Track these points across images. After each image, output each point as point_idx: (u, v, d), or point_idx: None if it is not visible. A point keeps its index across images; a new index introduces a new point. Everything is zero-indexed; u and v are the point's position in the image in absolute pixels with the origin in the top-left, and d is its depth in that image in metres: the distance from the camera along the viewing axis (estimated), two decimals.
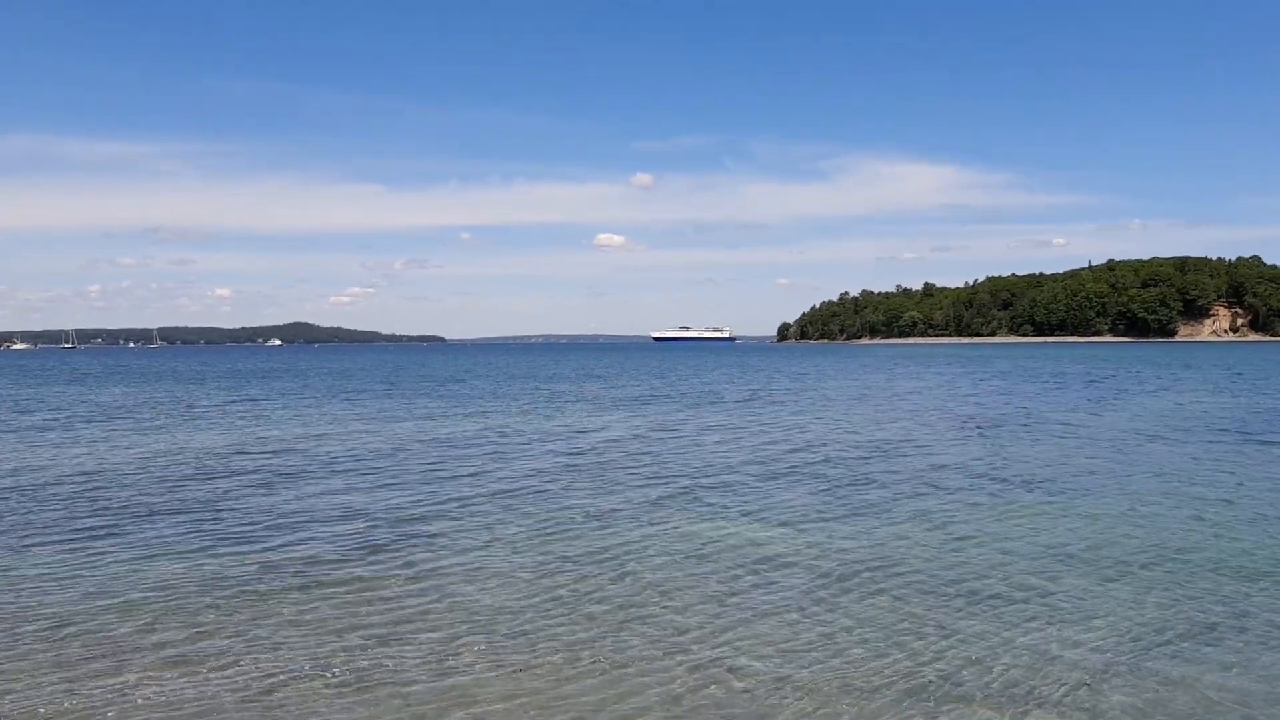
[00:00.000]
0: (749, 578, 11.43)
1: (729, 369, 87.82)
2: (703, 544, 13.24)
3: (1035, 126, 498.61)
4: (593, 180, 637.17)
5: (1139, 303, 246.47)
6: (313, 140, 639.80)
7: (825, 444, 25.42)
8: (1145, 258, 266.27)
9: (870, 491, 17.49)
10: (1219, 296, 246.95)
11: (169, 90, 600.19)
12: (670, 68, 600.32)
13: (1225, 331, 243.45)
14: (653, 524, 14.64)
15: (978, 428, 29.41)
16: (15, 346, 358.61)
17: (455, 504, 16.45)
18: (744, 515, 15.35)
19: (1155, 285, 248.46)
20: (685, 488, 18.12)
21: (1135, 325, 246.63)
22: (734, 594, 10.76)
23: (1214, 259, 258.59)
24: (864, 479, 19.01)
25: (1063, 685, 7.99)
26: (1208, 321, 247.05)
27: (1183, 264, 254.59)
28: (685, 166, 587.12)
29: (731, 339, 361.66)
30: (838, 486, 18.12)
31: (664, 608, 10.23)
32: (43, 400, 47.70)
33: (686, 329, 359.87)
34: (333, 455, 23.45)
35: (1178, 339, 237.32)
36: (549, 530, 14.21)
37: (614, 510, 15.82)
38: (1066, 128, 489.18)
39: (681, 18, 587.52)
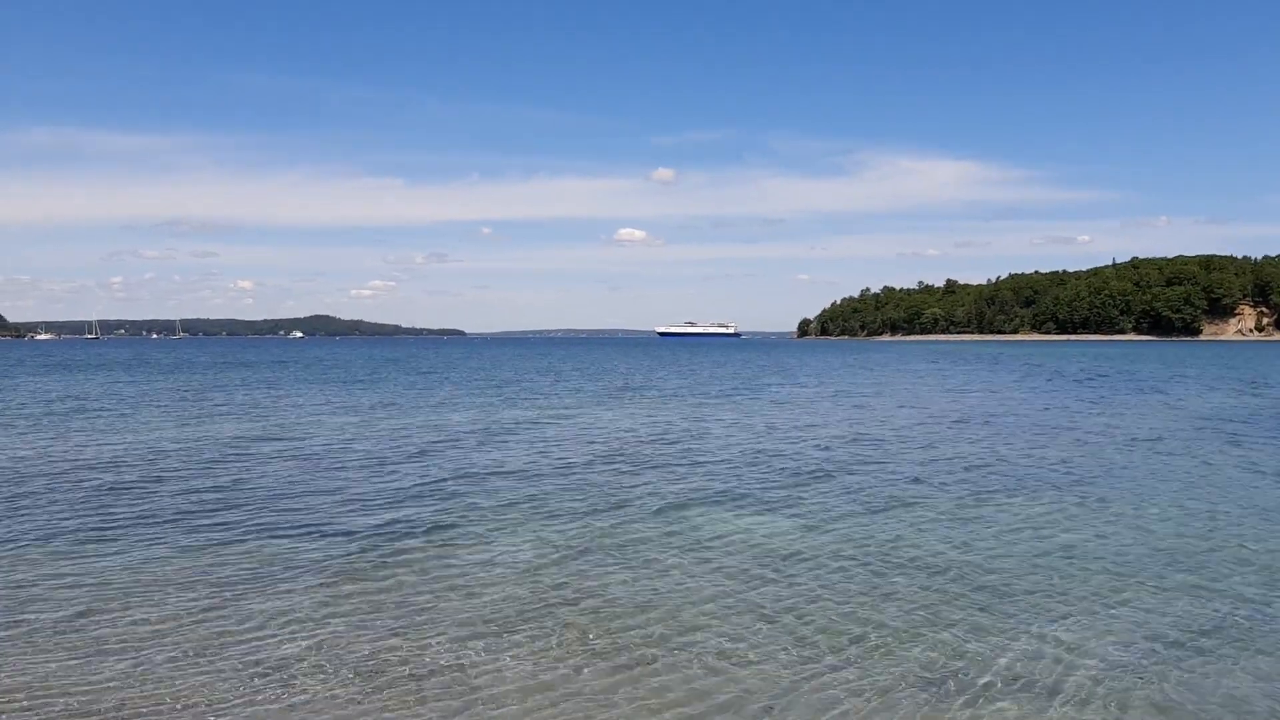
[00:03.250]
0: (763, 571, 11.43)
1: (737, 366, 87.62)
2: (717, 537, 13.24)
3: (1059, 121, 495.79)
4: (613, 175, 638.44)
5: (1163, 301, 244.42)
6: (333, 134, 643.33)
7: (846, 442, 25.35)
8: (1170, 255, 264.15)
9: (883, 488, 17.44)
10: (1244, 295, 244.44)
11: (190, 84, 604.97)
12: (691, 62, 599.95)
13: (1250, 331, 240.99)
14: (667, 518, 14.65)
15: (996, 427, 29.25)
16: (40, 337, 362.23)
17: (471, 496, 16.51)
18: (757, 509, 15.33)
19: (1180, 283, 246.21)
20: (700, 481, 18.12)
21: (1159, 324, 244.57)
22: (748, 587, 10.76)
23: (1239, 257, 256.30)
24: (876, 476, 18.95)
25: (1084, 683, 7.95)
26: (1233, 320, 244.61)
27: (1208, 262, 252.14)
28: (705, 161, 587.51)
29: (736, 335, 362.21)
30: (849, 482, 18.07)
31: (679, 601, 10.23)
32: (75, 389, 48.11)
33: (692, 324, 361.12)
34: (349, 445, 23.56)
35: (1202, 338, 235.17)
36: (565, 523, 14.24)
37: (627, 503, 15.83)
38: (1091, 123, 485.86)
39: (702, 12, 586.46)
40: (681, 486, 17.72)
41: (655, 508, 15.56)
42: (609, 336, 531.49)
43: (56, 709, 7.44)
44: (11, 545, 12.79)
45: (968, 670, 8.27)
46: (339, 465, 20.47)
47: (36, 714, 7.37)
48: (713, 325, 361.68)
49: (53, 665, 8.35)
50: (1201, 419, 31.27)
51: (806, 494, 16.96)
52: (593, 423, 30.59)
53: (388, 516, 14.79)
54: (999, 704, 7.59)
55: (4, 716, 7.31)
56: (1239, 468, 20.11)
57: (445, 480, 18.35)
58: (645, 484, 18.02)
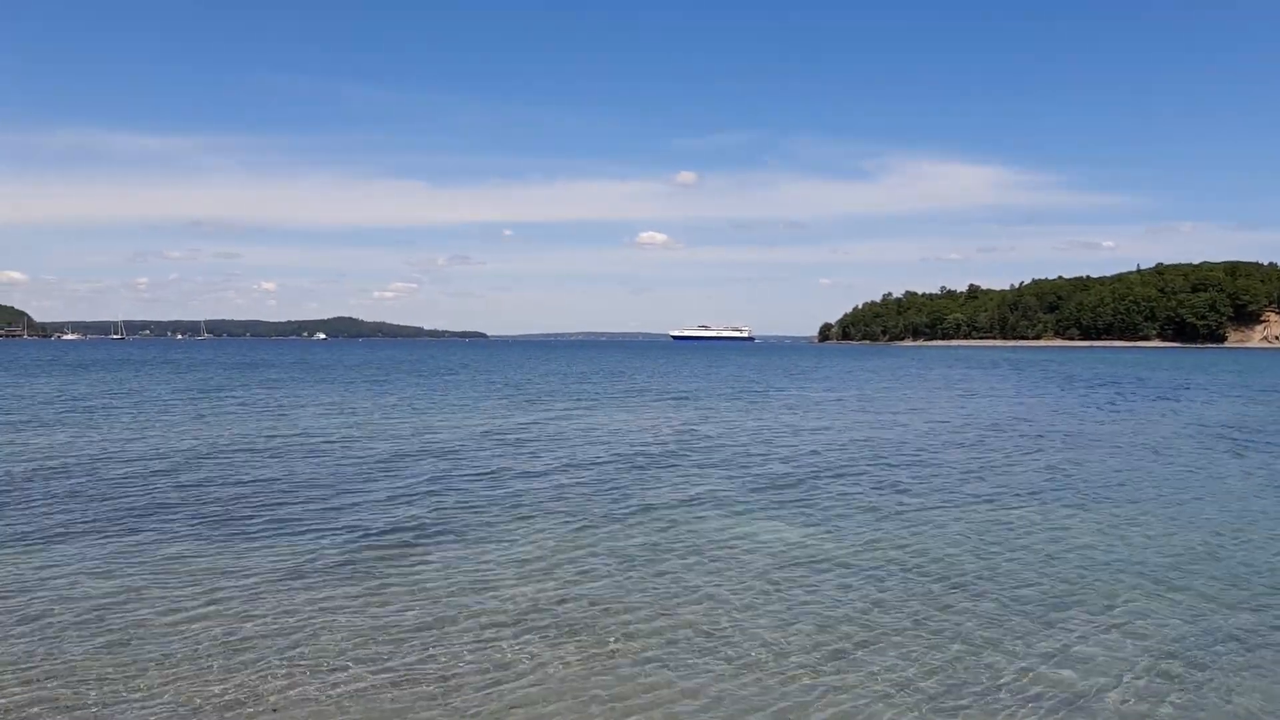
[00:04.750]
0: (785, 576, 11.49)
1: (755, 372, 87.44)
2: (734, 540, 13.32)
3: (1084, 126, 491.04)
4: (635, 178, 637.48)
5: (1188, 307, 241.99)
6: (357, 136, 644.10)
7: (858, 447, 25.35)
8: (1195, 261, 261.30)
9: (906, 496, 17.46)
10: (1271, 302, 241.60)
11: (216, 86, 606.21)
12: (714, 65, 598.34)
13: (1277, 338, 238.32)
14: (685, 521, 14.73)
15: (1010, 433, 29.17)
16: (66, 337, 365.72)
17: (488, 495, 16.66)
18: (780, 515, 15.40)
19: (1205, 290, 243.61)
20: (715, 484, 18.20)
21: (1184, 330, 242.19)
22: (770, 592, 10.83)
23: (1266, 264, 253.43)
24: (899, 483, 18.97)
25: (1099, 692, 7.98)
26: (1259, 328, 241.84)
27: (1234, 268, 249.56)
28: (727, 164, 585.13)
29: (750, 339, 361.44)
30: (872, 489, 18.10)
31: (696, 604, 10.32)
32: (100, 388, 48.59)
33: (705, 328, 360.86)
34: (368, 444, 23.74)
35: (1227, 345, 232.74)
36: (583, 524, 14.36)
37: (649, 506, 15.93)
38: (1116, 127, 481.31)
39: (725, 15, 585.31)
40: (697, 489, 17.80)
41: (673, 510, 15.65)
42: (628, 339, 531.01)
43: (89, 699, 7.62)
44: (35, 541, 13.02)
45: (983, 678, 8.31)
46: (358, 464, 20.66)
47: (65, 703, 7.54)
48: (727, 329, 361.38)
49: (80, 657, 8.53)
50: (1221, 427, 31.07)
51: (821, 499, 17.00)
52: (604, 424, 30.69)
53: (406, 514, 14.95)
54: (1014, 712, 7.64)
55: (33, 706, 7.48)
56: (1254, 476, 20.00)
57: (462, 479, 18.50)
58: (660, 486, 18.11)
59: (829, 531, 14.13)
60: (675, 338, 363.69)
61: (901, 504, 16.50)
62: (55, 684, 7.94)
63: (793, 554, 12.65)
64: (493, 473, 19.74)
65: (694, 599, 10.55)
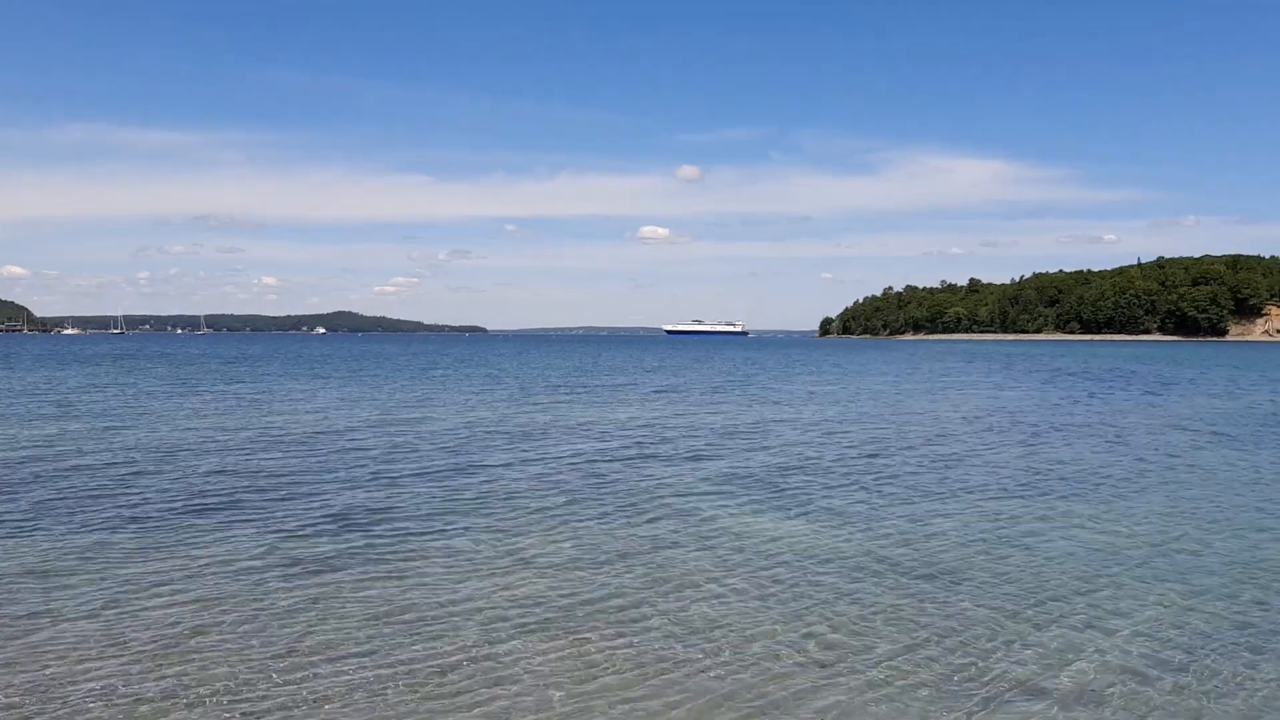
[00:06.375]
0: (786, 572, 11.43)
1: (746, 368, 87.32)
2: (738, 537, 13.27)
3: (1087, 121, 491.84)
4: (638, 173, 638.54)
5: (1189, 301, 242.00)
6: (361, 131, 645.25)
7: (860, 442, 25.32)
8: (1197, 255, 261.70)
9: (907, 490, 17.42)
10: (1272, 296, 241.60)
11: (223, 81, 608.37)
12: (718, 60, 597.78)
13: (1278, 332, 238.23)
14: (692, 517, 14.68)
15: (1017, 428, 29.14)
16: (66, 331, 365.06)
17: (492, 493, 16.60)
18: (780, 510, 15.36)
19: (1206, 284, 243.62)
20: (720, 480, 18.14)
21: (1185, 324, 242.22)
22: (771, 587, 10.77)
23: (1267, 257, 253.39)
24: (901, 478, 18.93)
25: (1105, 688, 7.93)
26: (1260, 321, 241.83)
27: (1235, 262, 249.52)
28: (732, 159, 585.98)
29: (744, 333, 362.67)
30: (874, 484, 18.06)
31: (701, 601, 10.25)
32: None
33: (699, 322, 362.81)
34: (365, 439, 23.72)
35: (1228, 338, 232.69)
36: (585, 520, 14.31)
37: (650, 502, 15.88)
38: (1119, 122, 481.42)
39: (731, 10, 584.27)
40: (701, 485, 17.74)
41: (674, 506, 15.60)
42: (629, 334, 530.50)
43: (78, 692, 7.58)
44: (34, 536, 12.97)
45: (980, 673, 8.26)
46: (349, 456, 20.60)
47: (55, 695, 7.50)
48: (720, 323, 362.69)
49: (67, 649, 8.48)
50: (1204, 420, 31.05)
51: (816, 493, 16.96)
52: (625, 423, 30.65)
53: (399, 507, 14.90)
54: (1012, 709, 7.58)
55: (38, 701, 7.43)
56: (1238, 469, 19.96)
57: (450, 472, 18.46)
58: (662, 481, 18.06)
59: (834, 528, 14.08)
60: (669, 332, 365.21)
61: (892, 499, 16.45)
62: (43, 676, 7.89)
63: (792, 550, 12.59)
64: (496, 468, 19.68)
65: (702, 596, 10.47)
